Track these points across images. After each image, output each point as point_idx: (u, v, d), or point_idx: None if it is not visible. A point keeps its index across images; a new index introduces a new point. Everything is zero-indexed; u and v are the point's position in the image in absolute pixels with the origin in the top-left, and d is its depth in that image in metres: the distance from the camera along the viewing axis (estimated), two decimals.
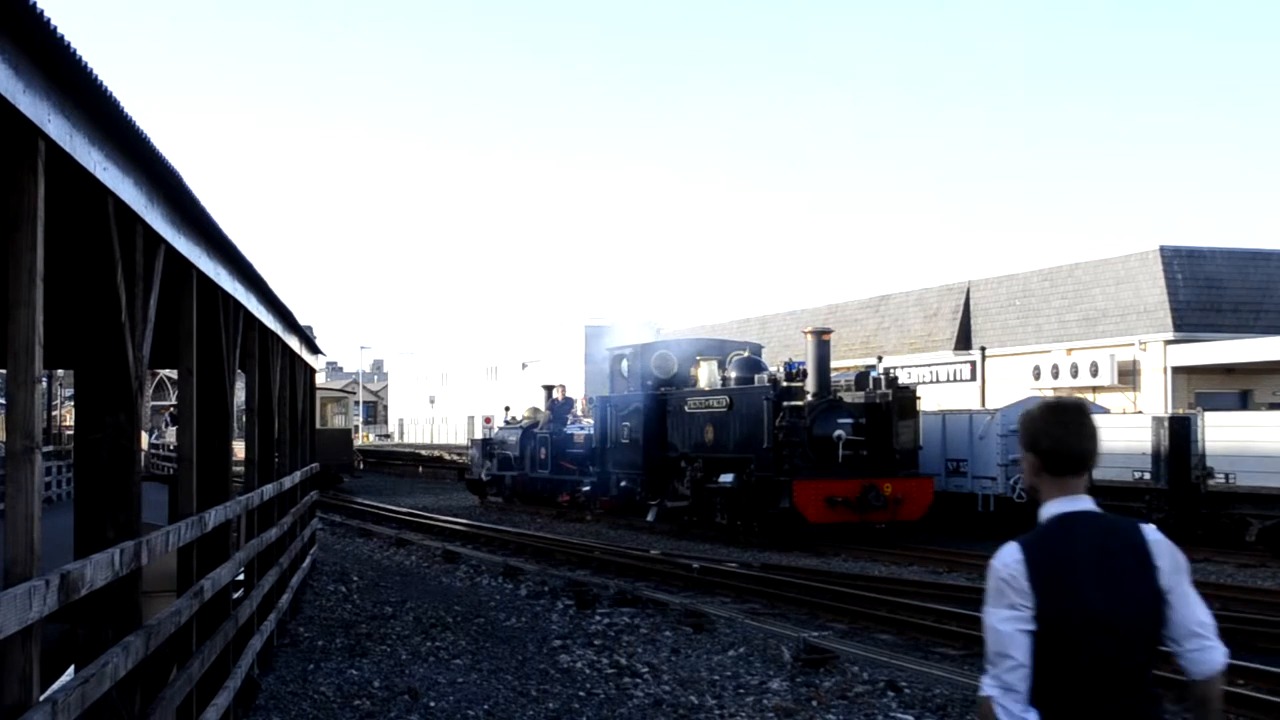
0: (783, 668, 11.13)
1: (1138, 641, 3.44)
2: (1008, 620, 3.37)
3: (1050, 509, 3.49)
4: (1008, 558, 3.43)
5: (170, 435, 48.04)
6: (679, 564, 18.76)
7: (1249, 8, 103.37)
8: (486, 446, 35.67)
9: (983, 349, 39.81)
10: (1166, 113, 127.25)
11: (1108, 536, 3.46)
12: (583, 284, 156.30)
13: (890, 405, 23.85)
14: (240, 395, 13.28)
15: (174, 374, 20.17)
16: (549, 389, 34.92)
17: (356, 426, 53.15)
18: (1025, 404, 26.62)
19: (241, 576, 9.60)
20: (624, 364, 29.47)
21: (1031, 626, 3.34)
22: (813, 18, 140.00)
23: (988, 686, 3.38)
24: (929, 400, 29.52)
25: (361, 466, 57.22)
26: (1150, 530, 3.50)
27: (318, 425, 39.50)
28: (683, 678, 10.75)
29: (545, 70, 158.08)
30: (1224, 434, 21.69)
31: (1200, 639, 3.49)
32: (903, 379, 28.02)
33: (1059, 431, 3.50)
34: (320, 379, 36.10)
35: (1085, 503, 3.49)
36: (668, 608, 14.51)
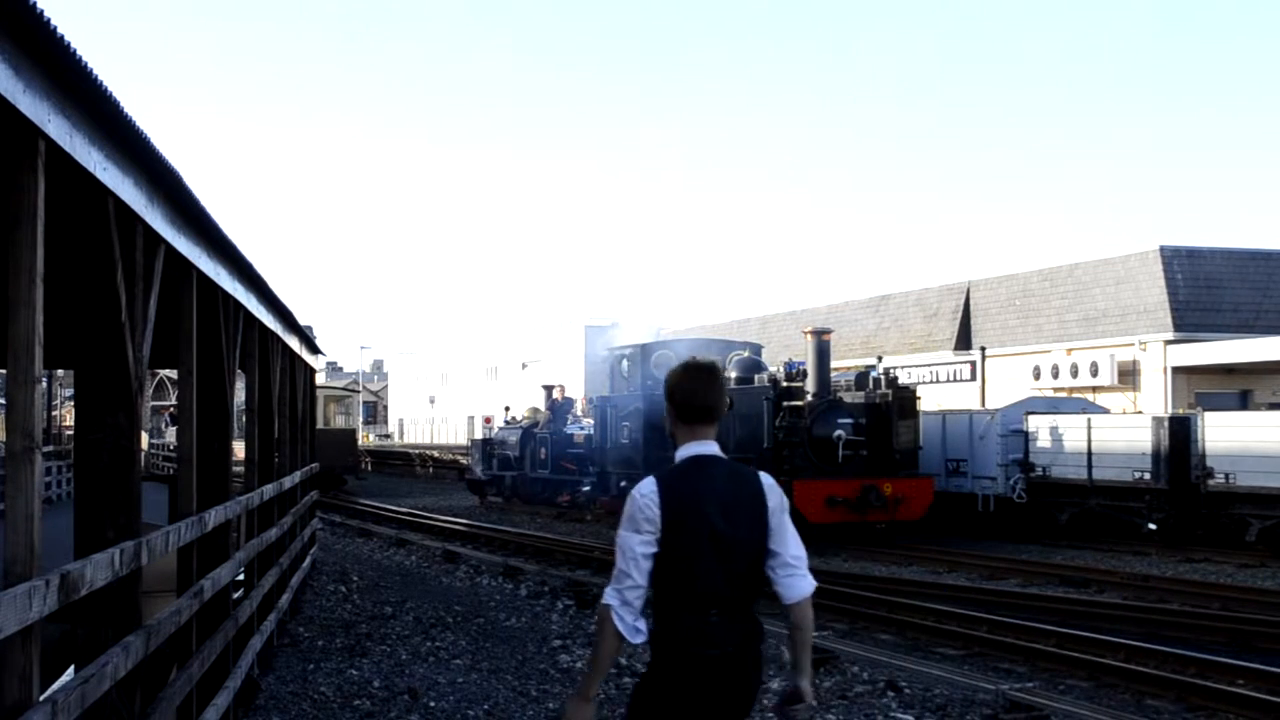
0: (783, 668, 11.11)
1: (748, 565, 3.99)
2: (637, 545, 3.93)
3: (683, 451, 4.10)
4: (645, 489, 3.98)
5: (170, 435, 47.84)
6: None
7: (1249, 7, 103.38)
8: (486, 446, 35.66)
9: (983, 349, 39.81)
10: (1167, 113, 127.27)
11: (730, 476, 4.05)
12: (583, 284, 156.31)
13: (890, 405, 23.85)
14: (240, 395, 13.28)
15: (174, 374, 20.17)
16: (549, 389, 34.93)
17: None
18: (1025, 404, 26.74)
19: (241, 576, 9.60)
20: (624, 364, 29.47)
21: (654, 549, 3.91)
22: (813, 18, 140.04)
23: (609, 597, 3.93)
24: (929, 400, 29.53)
25: (369, 468, 55.93)
26: (764, 476, 4.09)
27: (321, 425, 38.97)
28: None
29: (545, 70, 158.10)
30: (1224, 434, 21.69)
31: (792, 569, 4.03)
32: (903, 379, 28.02)
33: (690, 386, 4.12)
34: (320, 379, 35.63)
35: (712, 447, 4.09)
36: None
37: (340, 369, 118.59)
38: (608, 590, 3.95)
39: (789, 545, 4.04)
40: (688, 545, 3.91)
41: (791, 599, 4.04)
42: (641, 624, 3.94)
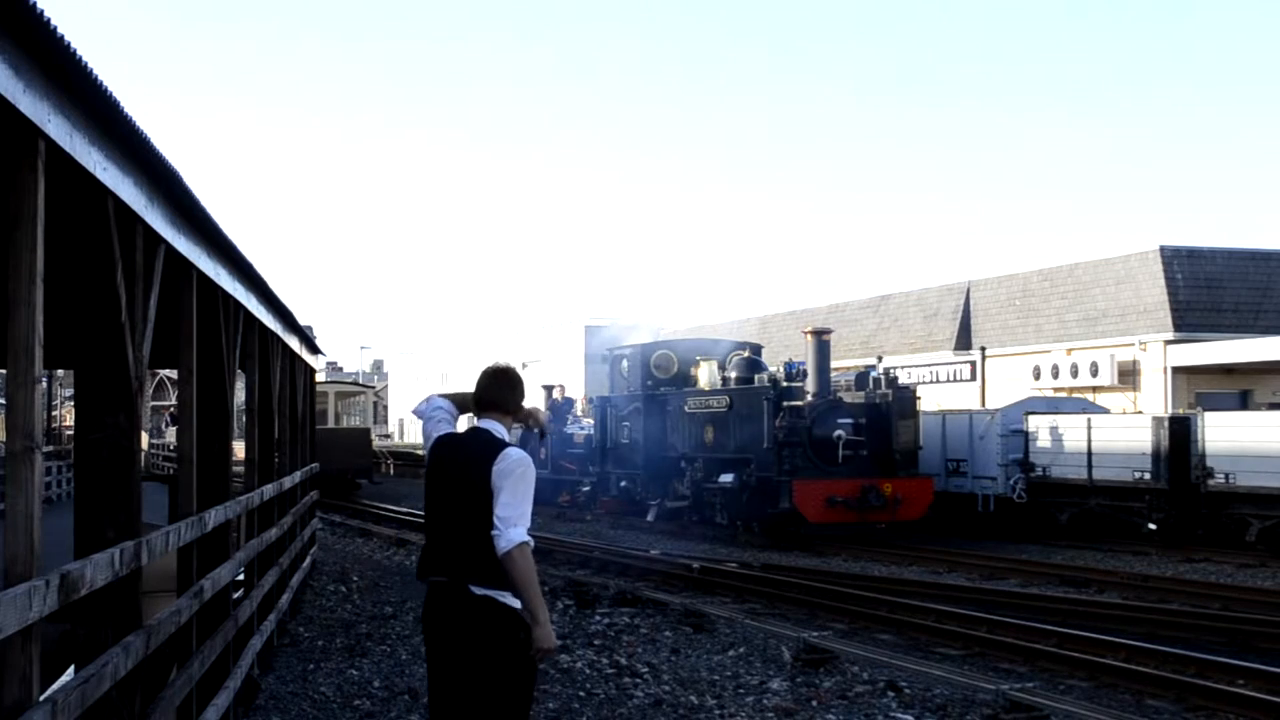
0: (783, 668, 11.13)
1: (468, 513, 4.91)
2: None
3: (473, 424, 5.25)
4: (433, 430, 5.29)
5: (170, 435, 47.37)
6: (679, 564, 18.76)
7: (1250, 6, 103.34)
8: None
9: (983, 349, 39.80)
10: (1167, 112, 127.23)
11: (479, 444, 5.07)
12: (583, 284, 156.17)
13: (890, 405, 23.87)
14: (240, 395, 13.28)
15: (174, 374, 20.16)
16: (549, 389, 34.89)
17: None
18: (1025, 404, 26.72)
19: (241, 576, 9.60)
20: (624, 364, 29.48)
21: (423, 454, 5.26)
22: (813, 17, 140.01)
23: None
24: (929, 400, 29.53)
25: (391, 472, 52.19)
26: (510, 450, 4.99)
27: (332, 424, 37.79)
28: (683, 678, 10.76)
29: (545, 70, 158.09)
30: (1224, 434, 21.69)
31: (496, 529, 4.83)
32: (903, 379, 28.04)
33: (480, 383, 5.29)
34: (320, 378, 34.00)
35: (488, 424, 5.18)
36: (668, 608, 14.51)
37: (340, 369, 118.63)
38: None
39: (500, 507, 4.85)
40: (433, 481, 5.13)
41: (498, 553, 4.81)
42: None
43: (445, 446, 5.19)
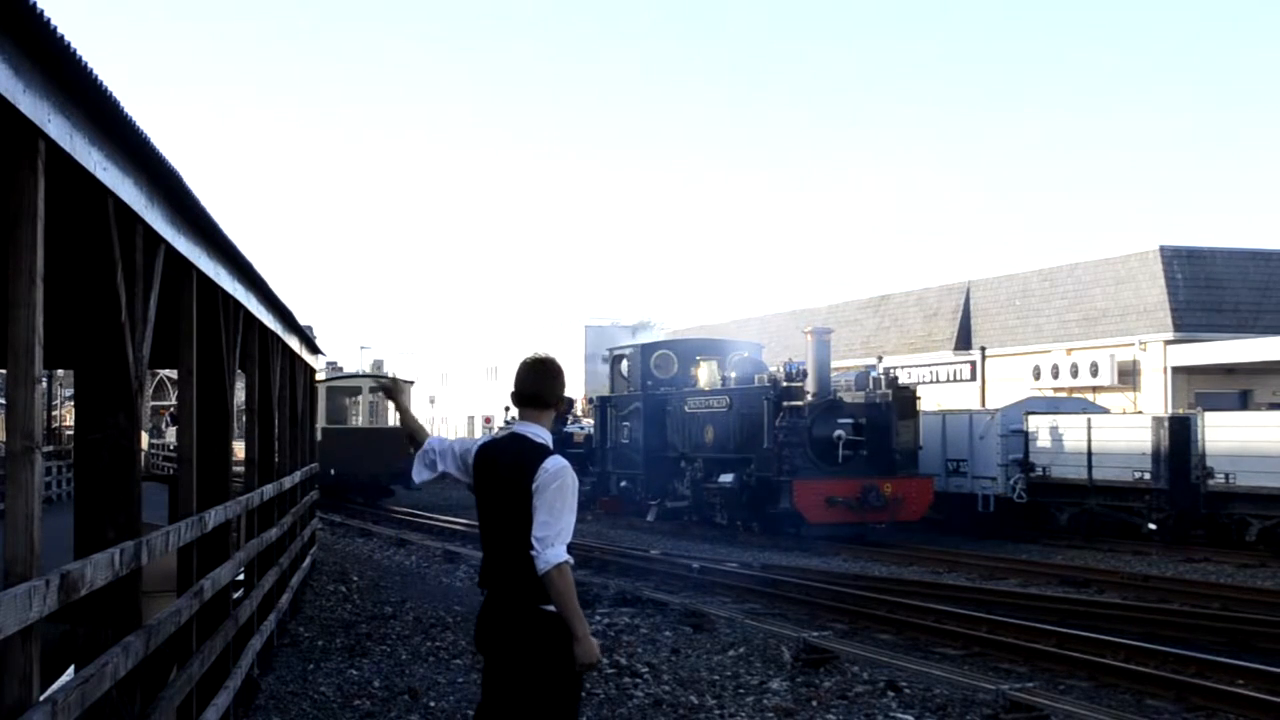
0: (783, 668, 11.13)
1: (512, 525, 4.81)
2: (455, 445, 5.17)
3: (512, 427, 5.12)
4: (471, 444, 5.15)
5: (170, 435, 47.19)
6: (679, 564, 18.76)
7: (1249, 6, 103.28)
8: None
9: (983, 349, 39.80)
10: (1168, 112, 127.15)
11: (520, 451, 4.91)
12: (583, 284, 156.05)
13: (890, 405, 23.88)
14: (240, 395, 13.28)
15: (174, 374, 20.15)
16: None
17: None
18: (1025, 404, 26.73)
19: (241, 576, 9.60)
20: (624, 364, 29.50)
21: (465, 464, 5.08)
22: (813, 18, 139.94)
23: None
24: (929, 400, 29.53)
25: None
26: (553, 460, 4.84)
27: (365, 423, 35.99)
28: (683, 678, 10.75)
29: (545, 69, 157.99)
30: (1224, 434, 21.70)
31: (534, 549, 4.73)
32: (903, 379, 28.05)
33: (520, 376, 5.08)
34: (320, 375, 31.19)
35: (528, 428, 5.01)
36: (668, 608, 14.52)
37: (340, 369, 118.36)
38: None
39: (537, 527, 4.74)
40: (480, 494, 5.00)
41: (537, 573, 4.73)
42: (423, 473, 5.18)
43: (488, 455, 5.02)
